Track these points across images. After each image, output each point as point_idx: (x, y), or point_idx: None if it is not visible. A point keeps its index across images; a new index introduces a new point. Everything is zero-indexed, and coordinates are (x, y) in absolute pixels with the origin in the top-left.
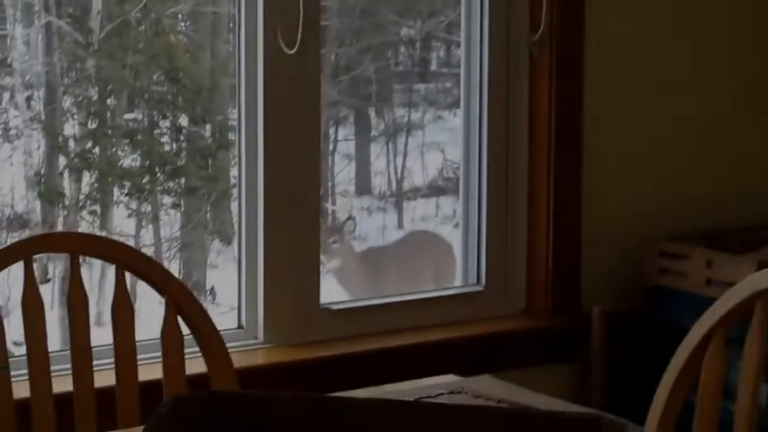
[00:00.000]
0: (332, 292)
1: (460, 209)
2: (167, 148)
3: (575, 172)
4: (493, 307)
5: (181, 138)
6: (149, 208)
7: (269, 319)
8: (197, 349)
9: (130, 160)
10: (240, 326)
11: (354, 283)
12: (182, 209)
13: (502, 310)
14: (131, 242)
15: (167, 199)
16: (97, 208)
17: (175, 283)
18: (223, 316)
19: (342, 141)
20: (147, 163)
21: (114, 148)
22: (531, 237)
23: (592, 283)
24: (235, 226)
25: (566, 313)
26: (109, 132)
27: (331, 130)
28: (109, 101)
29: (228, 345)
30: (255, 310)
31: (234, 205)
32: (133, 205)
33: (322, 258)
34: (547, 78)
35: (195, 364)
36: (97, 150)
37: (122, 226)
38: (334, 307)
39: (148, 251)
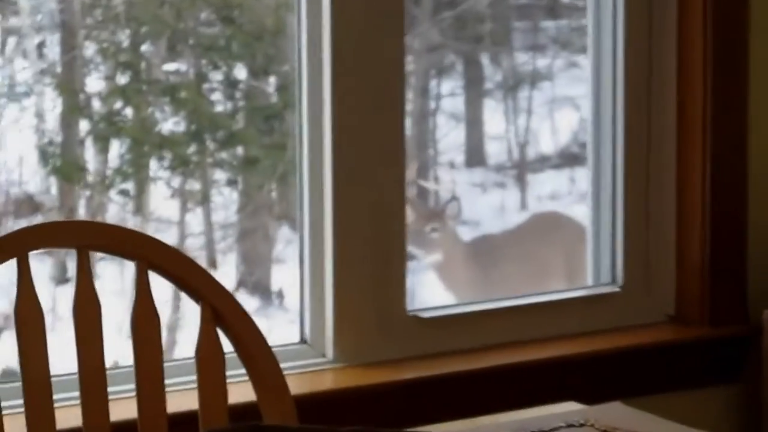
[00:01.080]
0: (432, 293)
1: (588, 185)
2: (219, 108)
3: (739, 136)
4: (631, 313)
5: (237, 95)
6: (197, 185)
7: (340, 331)
8: (243, 370)
9: (171, 123)
10: (303, 340)
11: (460, 282)
12: (240, 187)
13: (644, 317)
14: (174, 230)
15: (220, 175)
16: (129, 186)
17: (214, 285)
18: (293, 325)
19: (447, 97)
20: (193, 127)
21: (150, 109)
22: (681, 222)
23: (761, 282)
24: (297, 210)
25: (728, 320)
26: (144, 88)
27: (433, 83)
28: (143, 48)
29: (287, 364)
30: (322, 319)
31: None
32: (176, 183)
33: (418, 251)
34: (701, 14)
35: (241, 389)
36: (128, 111)
37: (162, 209)
38: (425, 314)
39: (197, 242)
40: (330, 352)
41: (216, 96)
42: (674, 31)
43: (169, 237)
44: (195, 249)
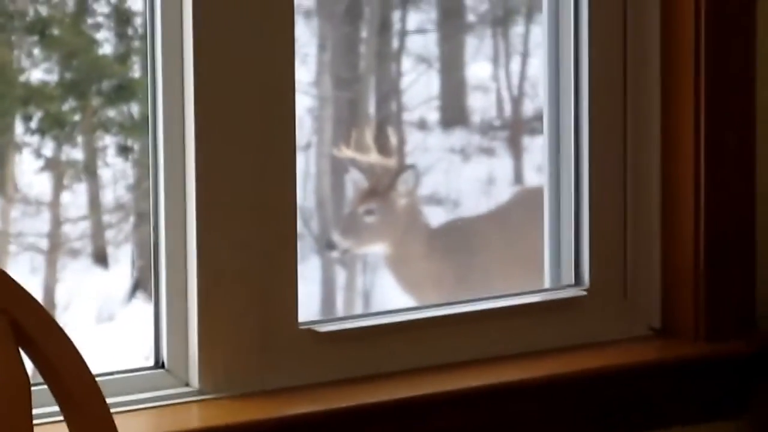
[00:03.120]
0: (388, 296)
1: (544, 156)
2: (106, 49)
3: (743, 106)
4: (602, 325)
5: (130, 32)
6: (77, 154)
7: (208, 352)
8: (56, 408)
9: (41, 71)
10: (159, 364)
11: (419, 280)
12: (135, 156)
13: (619, 330)
14: (45, 214)
15: (109, 140)
16: None
17: (14, 290)
18: None
19: (414, 33)
20: (70, 76)
21: (14, 51)
22: (668, 203)
23: None
24: (150, 194)
25: (730, 334)
26: (5, 23)
27: (395, 15)
28: None
29: (138, 396)
30: (184, 335)
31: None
32: (49, 150)
33: (347, 242)
34: None
35: None
36: None
37: (32, 186)
38: (322, 327)
39: (77, 229)
40: (195, 379)
41: (102, 34)
42: None
43: (40, 223)
44: (75, 239)
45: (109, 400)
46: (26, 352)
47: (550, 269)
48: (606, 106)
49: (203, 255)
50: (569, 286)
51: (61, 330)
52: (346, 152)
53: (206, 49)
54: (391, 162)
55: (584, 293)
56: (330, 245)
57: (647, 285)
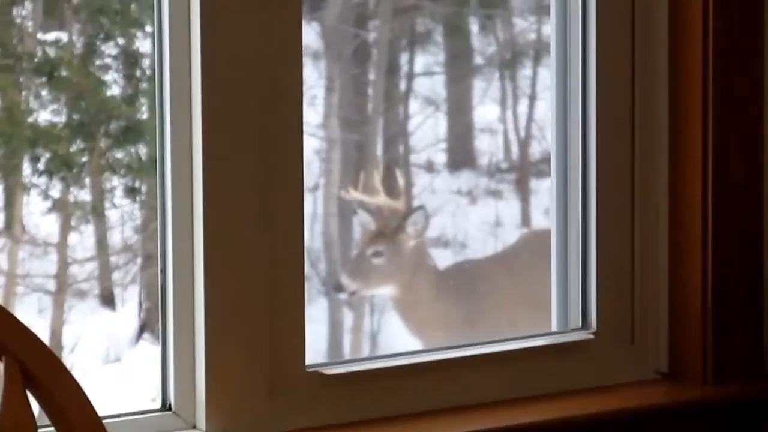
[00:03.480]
0: (397, 338)
1: (552, 198)
2: (114, 90)
3: (752, 139)
4: (609, 369)
5: (138, 74)
6: (85, 195)
7: (215, 394)
8: None
9: (49, 112)
10: (166, 406)
11: (426, 323)
12: (142, 197)
13: (627, 373)
14: (53, 253)
15: (116, 181)
16: None
17: (21, 333)
18: None
19: (422, 76)
20: (78, 117)
21: (22, 93)
22: (676, 246)
23: None
24: (158, 237)
25: (738, 377)
26: (13, 64)
27: (403, 57)
28: (14, 12)
29: None
30: (191, 377)
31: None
32: (57, 191)
33: (355, 284)
34: None
35: None
36: None
37: (39, 227)
38: (329, 370)
39: (84, 270)
40: (202, 421)
41: (110, 75)
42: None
43: (47, 264)
44: (82, 280)
45: None
46: (33, 394)
47: (557, 312)
48: (613, 150)
49: (211, 297)
50: (576, 329)
51: (67, 371)
52: (354, 194)
53: (214, 90)
54: (399, 204)
55: (591, 336)
56: (338, 287)
57: (654, 328)
